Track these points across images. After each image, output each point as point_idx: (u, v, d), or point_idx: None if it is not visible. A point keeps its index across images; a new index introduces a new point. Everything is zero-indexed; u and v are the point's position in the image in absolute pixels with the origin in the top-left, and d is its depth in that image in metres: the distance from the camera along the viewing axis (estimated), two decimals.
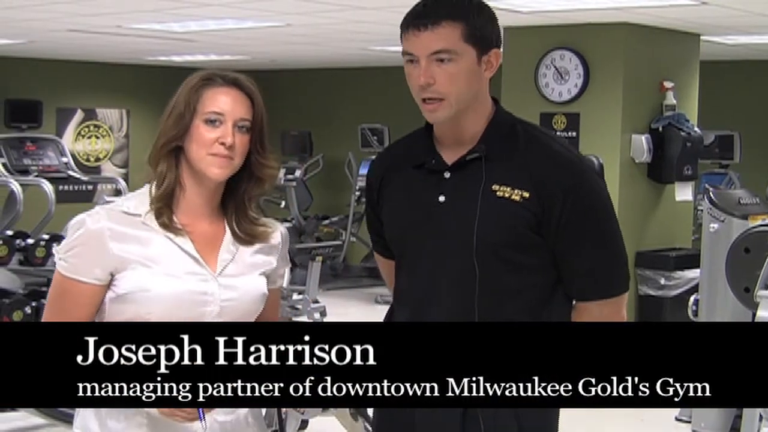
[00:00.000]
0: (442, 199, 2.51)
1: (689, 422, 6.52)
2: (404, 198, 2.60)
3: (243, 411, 2.46)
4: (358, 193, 11.92)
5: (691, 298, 6.56)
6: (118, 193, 9.24)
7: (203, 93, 2.41)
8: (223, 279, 2.42)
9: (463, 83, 2.45)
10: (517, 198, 2.45)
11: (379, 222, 2.71)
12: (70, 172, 9.36)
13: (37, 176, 8.90)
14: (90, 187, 11.62)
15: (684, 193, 8.40)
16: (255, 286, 2.47)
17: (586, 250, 2.50)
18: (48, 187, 8.50)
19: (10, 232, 7.45)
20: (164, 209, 2.40)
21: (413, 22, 2.46)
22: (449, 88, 2.44)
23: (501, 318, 2.46)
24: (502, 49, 2.55)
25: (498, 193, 2.46)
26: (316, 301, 7.33)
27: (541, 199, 2.45)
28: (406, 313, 2.60)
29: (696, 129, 8.33)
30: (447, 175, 2.53)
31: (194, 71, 2.49)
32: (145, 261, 2.36)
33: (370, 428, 4.85)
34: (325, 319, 7.29)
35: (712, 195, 6.45)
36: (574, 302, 2.58)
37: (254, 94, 2.45)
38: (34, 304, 6.59)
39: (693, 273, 7.39)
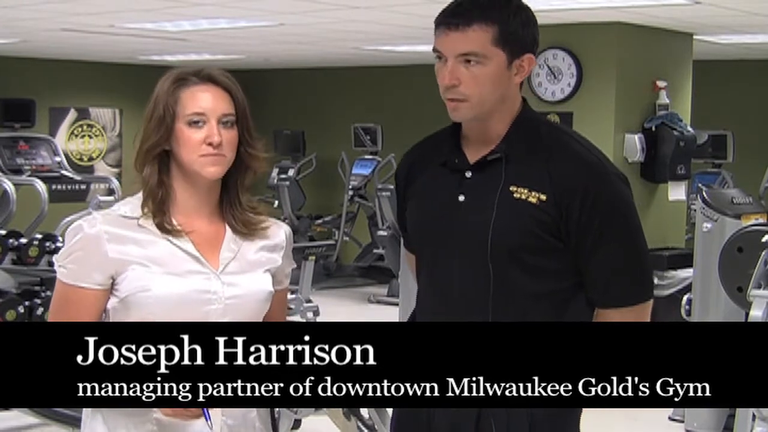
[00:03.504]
0: (461, 198, 2.47)
1: (682, 422, 6.53)
2: (427, 196, 2.56)
3: (252, 414, 2.43)
4: (350, 193, 11.92)
5: (684, 298, 6.57)
6: (111, 192, 9.22)
7: (180, 94, 2.36)
8: (226, 276, 2.39)
9: (489, 86, 2.41)
10: (534, 200, 2.40)
11: (406, 218, 2.66)
12: (63, 172, 9.35)
13: (30, 176, 8.90)
14: (83, 187, 11.63)
15: (677, 192, 8.39)
16: (259, 283, 2.44)
17: (605, 255, 2.43)
18: (41, 186, 8.50)
19: (3, 232, 7.42)
20: (157, 213, 2.38)
21: (444, 20, 2.42)
22: (473, 90, 2.41)
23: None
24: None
25: (515, 194, 2.41)
26: (309, 301, 7.32)
27: (559, 201, 2.39)
28: (426, 312, 2.58)
29: (689, 128, 8.33)
30: (468, 174, 2.49)
31: None
32: (144, 261, 2.34)
33: (363, 428, 4.85)
34: (318, 319, 7.29)
35: (705, 194, 6.47)
36: (595, 310, 2.51)
37: (231, 87, 2.40)
38: (27, 303, 6.59)
39: (686, 272, 7.39)
